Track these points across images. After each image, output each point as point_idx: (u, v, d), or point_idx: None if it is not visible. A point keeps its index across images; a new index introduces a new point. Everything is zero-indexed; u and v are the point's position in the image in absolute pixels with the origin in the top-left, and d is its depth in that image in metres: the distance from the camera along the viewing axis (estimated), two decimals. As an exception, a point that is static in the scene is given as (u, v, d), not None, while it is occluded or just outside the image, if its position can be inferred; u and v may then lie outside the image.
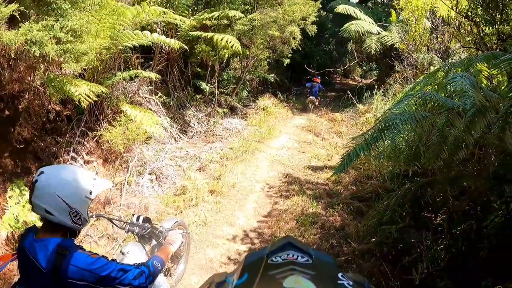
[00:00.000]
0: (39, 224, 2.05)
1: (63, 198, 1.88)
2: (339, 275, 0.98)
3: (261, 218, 5.72)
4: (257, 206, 6.14)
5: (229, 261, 4.77)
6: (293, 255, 1.02)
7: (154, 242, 3.10)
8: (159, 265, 2.19)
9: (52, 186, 1.87)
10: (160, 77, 7.19)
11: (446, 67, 4.16)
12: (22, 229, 4.63)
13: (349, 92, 11.60)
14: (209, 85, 9.87)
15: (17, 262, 2.14)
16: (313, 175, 7.24)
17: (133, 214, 3.20)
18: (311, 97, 13.54)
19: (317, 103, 13.78)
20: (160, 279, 3.03)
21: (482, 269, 3.17)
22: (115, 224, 3.00)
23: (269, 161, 8.09)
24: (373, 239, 4.57)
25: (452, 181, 3.76)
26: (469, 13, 5.48)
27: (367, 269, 4.17)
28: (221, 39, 7.99)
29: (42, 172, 1.91)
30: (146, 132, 5.99)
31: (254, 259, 1.06)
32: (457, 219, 3.73)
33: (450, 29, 8.96)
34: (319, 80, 14.02)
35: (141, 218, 3.09)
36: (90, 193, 1.99)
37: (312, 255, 1.03)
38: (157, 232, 3.00)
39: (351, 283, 0.95)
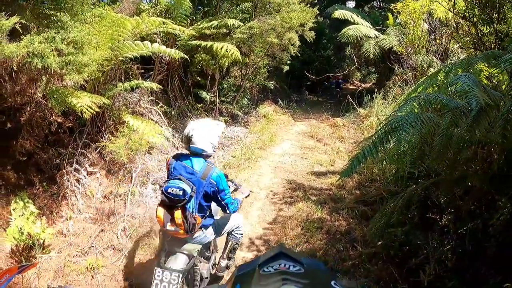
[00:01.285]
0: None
1: (211, 139, 3.28)
2: (332, 283, 0.98)
3: (266, 225, 5.70)
4: (262, 213, 6.12)
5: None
6: (285, 265, 1.02)
7: None
8: (241, 202, 3.61)
9: (204, 135, 3.24)
10: (161, 87, 7.19)
11: (447, 68, 4.17)
12: (27, 242, 4.62)
13: (349, 97, 11.61)
14: (209, 94, 9.88)
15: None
16: (316, 180, 7.22)
17: None
18: (337, 89, 19.08)
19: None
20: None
21: (490, 268, 3.16)
22: None
23: (272, 168, 8.08)
24: (379, 243, 4.55)
25: (457, 181, 3.75)
26: (467, 14, 5.50)
27: (374, 273, 4.15)
28: (221, 48, 8.00)
29: (194, 127, 3.26)
30: (148, 142, 5.98)
31: (246, 270, 1.06)
32: (463, 219, 3.72)
33: (448, 30, 8.98)
34: (339, 78, 19.09)
35: None
36: (219, 134, 3.41)
37: (304, 264, 1.03)
38: (232, 184, 4.02)
39: None
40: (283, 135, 10.80)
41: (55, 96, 4.78)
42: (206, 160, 3.30)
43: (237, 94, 10.92)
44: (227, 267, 4.13)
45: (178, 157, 3.36)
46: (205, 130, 3.26)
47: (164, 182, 3.18)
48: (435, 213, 4.32)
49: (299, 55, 12.31)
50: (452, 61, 6.14)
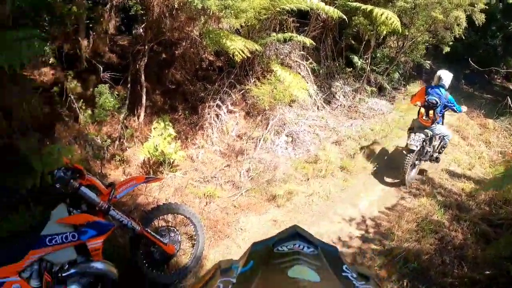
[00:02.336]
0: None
1: (447, 80, 5.98)
2: (344, 267, 0.98)
3: (383, 209, 5.59)
4: (383, 195, 6.01)
5: (338, 242, 4.80)
6: (299, 245, 1.03)
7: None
8: (461, 110, 6.24)
9: (446, 77, 5.95)
10: (313, 43, 7.12)
11: None
12: (159, 158, 5.17)
13: (509, 98, 10.30)
14: (361, 60, 9.53)
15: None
16: (448, 180, 6.66)
17: None
18: None
19: None
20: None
21: None
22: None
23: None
24: (487, 272, 4.18)
25: None
26: None
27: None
28: (381, 14, 7.55)
29: (442, 73, 5.97)
30: (291, 95, 6.09)
31: (261, 247, 1.07)
32: None
33: None
34: None
35: None
36: (450, 79, 6.12)
37: (318, 246, 1.03)
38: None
39: (355, 275, 0.95)
40: (428, 121, 10.09)
41: (210, 36, 5.08)
42: (445, 90, 5.92)
43: (389, 66, 10.34)
44: (436, 158, 6.57)
45: (430, 87, 6.08)
46: (446, 76, 5.94)
47: (426, 97, 5.93)
48: None
49: (463, 37, 11.08)
50: None
